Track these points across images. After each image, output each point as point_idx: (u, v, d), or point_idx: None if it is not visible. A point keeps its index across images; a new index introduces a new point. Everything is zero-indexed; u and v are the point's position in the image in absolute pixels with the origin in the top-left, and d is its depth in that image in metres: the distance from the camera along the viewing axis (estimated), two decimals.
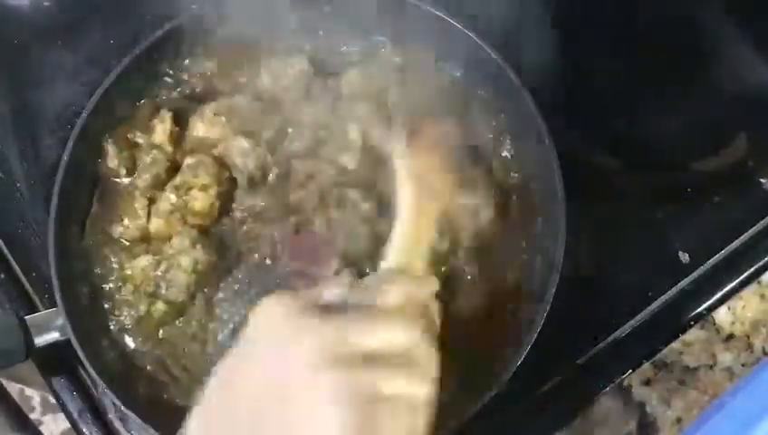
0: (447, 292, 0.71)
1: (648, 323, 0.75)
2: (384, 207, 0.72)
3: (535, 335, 0.66)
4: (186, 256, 0.72)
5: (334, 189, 0.74)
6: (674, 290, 0.76)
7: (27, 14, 0.90)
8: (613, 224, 0.78)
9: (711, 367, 0.73)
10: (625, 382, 0.72)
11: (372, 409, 0.47)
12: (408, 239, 0.63)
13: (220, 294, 0.73)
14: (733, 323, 0.75)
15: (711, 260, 0.77)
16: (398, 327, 0.50)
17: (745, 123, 0.84)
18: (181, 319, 0.72)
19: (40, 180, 0.81)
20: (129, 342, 0.72)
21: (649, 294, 0.76)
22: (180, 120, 0.78)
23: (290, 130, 0.77)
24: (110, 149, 0.76)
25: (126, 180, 0.76)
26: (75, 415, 0.73)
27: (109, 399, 0.71)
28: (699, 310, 0.75)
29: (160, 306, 0.71)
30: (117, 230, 0.75)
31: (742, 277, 0.76)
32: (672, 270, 0.77)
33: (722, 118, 0.84)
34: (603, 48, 0.85)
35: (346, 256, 0.72)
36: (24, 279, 0.78)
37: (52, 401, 0.73)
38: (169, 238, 0.73)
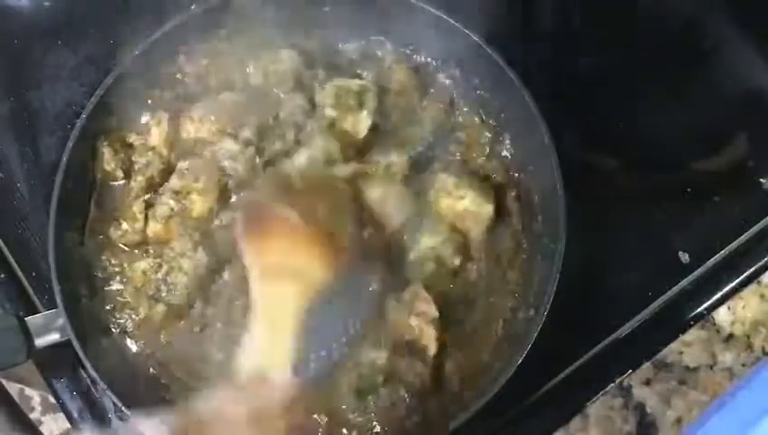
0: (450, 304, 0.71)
1: (648, 323, 0.75)
2: None
3: (535, 335, 0.66)
4: (187, 260, 0.72)
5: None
6: (674, 290, 0.76)
7: (27, 14, 0.90)
8: (613, 224, 0.78)
9: (711, 367, 0.73)
10: (625, 382, 0.72)
11: None
12: (262, 341, 0.59)
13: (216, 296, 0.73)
14: (733, 323, 0.75)
15: (711, 260, 0.77)
16: None
17: (745, 123, 0.84)
18: (181, 321, 0.72)
19: (40, 181, 0.81)
20: (130, 343, 0.72)
21: (649, 294, 0.76)
22: (174, 122, 0.78)
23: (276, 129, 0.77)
24: (106, 151, 0.76)
25: (122, 183, 0.77)
26: (75, 415, 0.73)
27: (109, 399, 0.71)
28: (699, 310, 0.75)
29: (161, 308, 0.71)
30: (115, 233, 0.75)
31: (742, 277, 0.76)
32: (672, 270, 0.77)
33: (722, 118, 0.84)
34: (603, 48, 0.85)
35: None
36: (24, 279, 0.78)
37: (52, 400, 0.73)
38: (167, 242, 0.73)
